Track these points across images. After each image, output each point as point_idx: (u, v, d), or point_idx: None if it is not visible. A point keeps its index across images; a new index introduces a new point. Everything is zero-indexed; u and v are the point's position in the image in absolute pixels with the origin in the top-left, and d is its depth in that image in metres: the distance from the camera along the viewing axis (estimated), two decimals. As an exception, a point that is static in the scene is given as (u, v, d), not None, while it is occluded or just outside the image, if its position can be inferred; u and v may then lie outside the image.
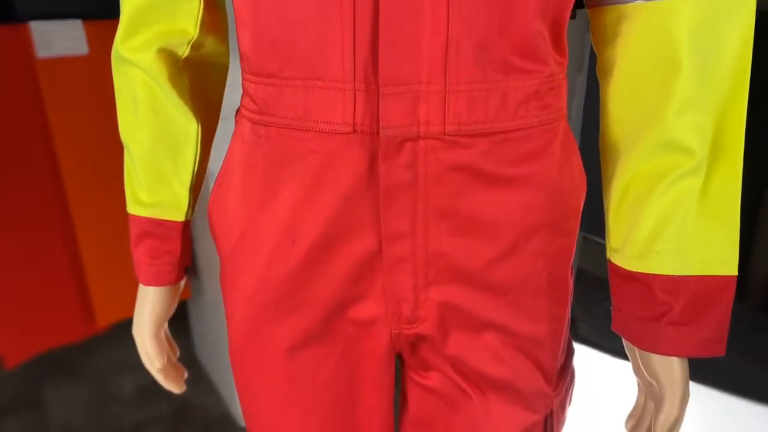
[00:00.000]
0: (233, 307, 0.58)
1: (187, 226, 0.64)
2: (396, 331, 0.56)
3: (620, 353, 1.86)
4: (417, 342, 0.57)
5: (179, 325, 2.10)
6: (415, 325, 0.55)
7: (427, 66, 0.45)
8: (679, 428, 0.55)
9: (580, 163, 0.56)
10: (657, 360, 0.54)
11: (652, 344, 0.53)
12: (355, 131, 0.47)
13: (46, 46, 1.27)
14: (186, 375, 0.71)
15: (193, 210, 0.64)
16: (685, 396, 0.54)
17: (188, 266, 0.67)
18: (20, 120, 1.30)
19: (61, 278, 1.51)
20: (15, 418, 1.72)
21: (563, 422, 0.62)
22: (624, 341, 0.59)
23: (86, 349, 2.01)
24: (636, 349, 0.56)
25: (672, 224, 0.51)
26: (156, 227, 0.62)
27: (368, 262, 0.52)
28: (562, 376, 0.61)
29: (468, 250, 0.51)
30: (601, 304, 2.00)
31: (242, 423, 1.68)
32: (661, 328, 0.53)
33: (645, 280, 0.53)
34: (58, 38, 1.27)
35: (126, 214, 0.64)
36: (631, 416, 0.62)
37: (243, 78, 0.53)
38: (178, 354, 0.72)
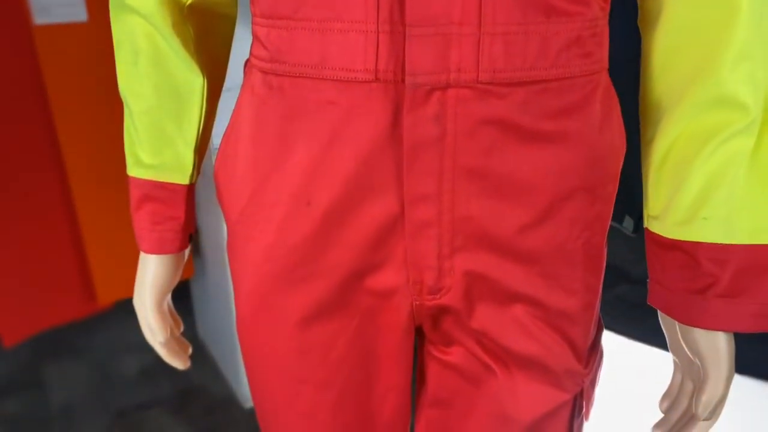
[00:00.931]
0: (241, 277, 0.54)
1: (191, 190, 0.60)
2: (417, 303, 0.52)
3: (633, 336, 1.82)
4: (439, 315, 0.53)
5: (182, 305, 2.06)
6: (438, 296, 0.51)
7: (459, 4, 0.40)
8: (722, 409, 0.51)
9: (621, 121, 0.51)
10: (701, 335, 0.50)
11: (696, 318, 0.49)
12: (377, 79, 0.43)
13: (43, 13, 1.22)
14: (190, 350, 0.67)
15: (198, 172, 0.59)
16: (730, 374, 0.50)
17: (192, 234, 0.62)
18: (17, 89, 1.25)
19: (61, 256, 1.47)
20: (15, 398, 1.69)
21: (593, 402, 0.58)
22: (661, 316, 0.55)
23: (87, 329, 1.98)
24: (677, 324, 0.52)
25: (721, 188, 0.47)
26: (158, 190, 0.58)
27: (389, 227, 0.48)
28: (593, 352, 0.57)
29: (498, 214, 0.47)
30: (611, 290, 1.96)
31: (247, 404, 1.65)
32: (707, 301, 0.48)
33: (689, 250, 0.49)
34: (56, 5, 1.22)
35: (127, 181, 0.60)
36: (665, 396, 0.58)
37: (253, 23, 0.48)
38: (182, 328, 0.68)
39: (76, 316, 1.50)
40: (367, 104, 0.44)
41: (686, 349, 0.52)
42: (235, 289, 0.56)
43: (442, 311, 0.52)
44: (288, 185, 0.48)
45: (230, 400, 1.69)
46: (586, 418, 0.57)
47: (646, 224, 0.54)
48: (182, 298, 2.06)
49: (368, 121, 0.44)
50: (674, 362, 0.57)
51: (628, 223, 2.19)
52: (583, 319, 0.53)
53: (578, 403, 0.56)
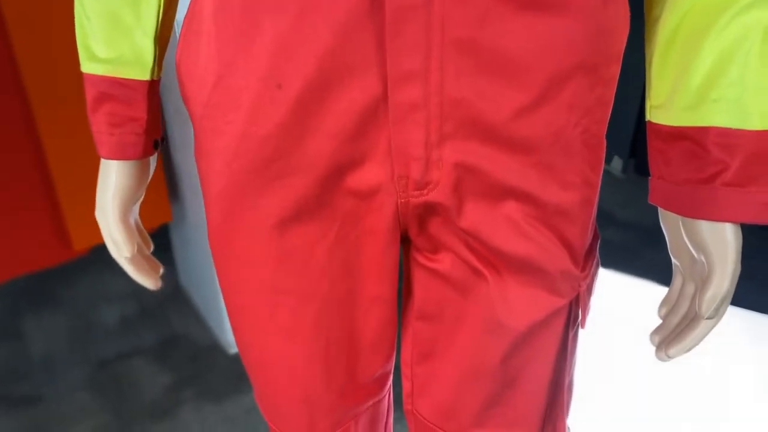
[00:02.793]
0: (210, 179, 0.49)
1: (154, 88, 0.54)
2: (402, 201, 0.48)
3: (620, 270, 1.81)
4: (426, 215, 0.49)
5: (162, 254, 2.02)
6: (425, 192, 0.47)
7: None
8: (726, 307, 0.48)
9: None
10: (707, 229, 0.46)
11: (702, 210, 0.46)
12: None
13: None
14: (162, 271, 0.62)
15: (160, 67, 0.54)
16: (736, 269, 0.47)
17: (159, 140, 0.57)
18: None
19: (32, 200, 1.41)
20: (-7, 349, 1.65)
21: (589, 310, 0.55)
22: (662, 215, 0.52)
23: (66, 279, 1.93)
24: (680, 220, 0.49)
25: (733, 67, 0.43)
26: (116, 88, 0.52)
27: (371, 113, 0.43)
28: (590, 257, 0.53)
29: (492, 95, 0.42)
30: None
31: (231, 350, 1.63)
32: (714, 191, 0.45)
33: (696, 136, 0.45)
34: None
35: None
36: (664, 302, 0.55)
37: None
38: (152, 247, 0.63)
39: (52, 262, 1.45)
40: None
41: (690, 247, 0.49)
42: (204, 195, 0.51)
43: (430, 210, 0.49)
44: (256, 67, 0.43)
45: (214, 346, 1.66)
46: (582, 326, 0.55)
47: (648, 117, 0.50)
48: (163, 247, 2.01)
49: None
50: (674, 266, 0.54)
51: (617, 164, 2.17)
52: (581, 217, 0.49)
53: (574, 311, 0.54)
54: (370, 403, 0.66)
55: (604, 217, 1.96)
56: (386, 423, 0.74)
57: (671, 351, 0.50)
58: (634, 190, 2.06)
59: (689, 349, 0.50)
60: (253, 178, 0.47)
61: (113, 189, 0.54)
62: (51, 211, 1.42)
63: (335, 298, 0.54)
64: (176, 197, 1.60)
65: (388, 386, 0.68)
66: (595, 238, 0.55)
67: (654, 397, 1.42)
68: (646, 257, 1.83)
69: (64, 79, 1.31)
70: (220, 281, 0.56)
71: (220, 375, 1.57)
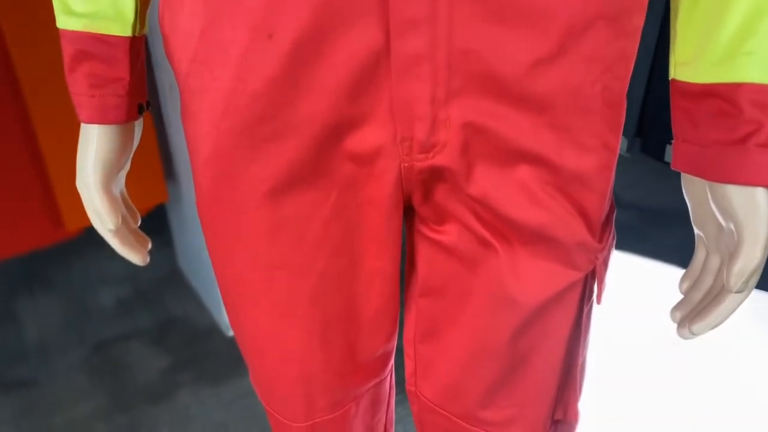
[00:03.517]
0: (197, 142, 0.46)
1: (137, 45, 0.50)
2: (406, 166, 0.44)
3: (625, 251, 1.77)
4: (432, 181, 0.45)
5: (160, 236, 1.99)
6: (431, 155, 0.43)
7: None
8: (756, 280, 0.44)
9: None
10: (737, 194, 0.42)
11: (733, 174, 0.42)
12: None
13: None
14: (150, 245, 0.59)
15: (143, 23, 0.50)
16: None
17: (143, 104, 0.53)
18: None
19: (23, 181, 1.37)
20: (-13, 332, 1.63)
21: (605, 285, 0.51)
22: (686, 182, 0.48)
23: (60, 262, 1.90)
24: (707, 186, 0.45)
25: None
26: (96, 45, 0.48)
27: (371, 66, 0.39)
28: (606, 227, 0.50)
29: (504, 46, 0.38)
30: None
31: (229, 333, 1.60)
32: (747, 152, 0.41)
33: (727, 93, 0.41)
34: None
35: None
36: (686, 277, 0.51)
37: None
38: (139, 221, 0.60)
39: (44, 243, 1.42)
40: None
41: (717, 215, 0.45)
42: (192, 161, 0.48)
43: (435, 176, 0.45)
44: (244, 16, 0.39)
45: (211, 329, 1.63)
46: (599, 301, 0.51)
47: (672, 74, 0.46)
48: (160, 230, 1.98)
49: None
50: (697, 237, 0.50)
51: (622, 143, 2.13)
52: (599, 184, 0.45)
53: (589, 286, 0.50)
54: (371, 384, 0.63)
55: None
56: (388, 405, 0.71)
57: (695, 327, 0.47)
58: (639, 170, 2.02)
59: (715, 326, 0.46)
60: (243, 140, 0.43)
61: (94, 156, 0.51)
62: (42, 192, 1.39)
63: (333, 273, 0.50)
64: (172, 177, 1.56)
65: (389, 367, 0.65)
66: (611, 209, 0.52)
67: (661, 377, 1.40)
68: (652, 238, 1.80)
69: (54, 60, 1.27)
70: (210, 255, 0.53)
71: (217, 358, 1.54)
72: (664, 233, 1.79)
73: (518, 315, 0.49)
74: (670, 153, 1.94)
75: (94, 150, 0.51)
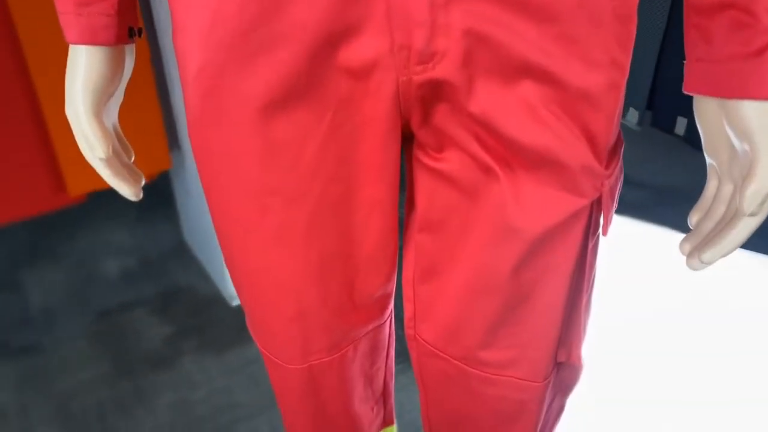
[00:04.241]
0: (186, 59, 0.44)
1: (126, -38, 0.48)
2: (404, 79, 0.42)
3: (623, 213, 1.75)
4: (431, 98, 0.44)
5: (165, 210, 1.99)
6: (430, 66, 0.41)
7: None
8: (771, 204, 0.42)
9: None
10: (753, 111, 0.40)
11: (750, 88, 0.40)
12: None
13: None
14: (143, 181, 0.57)
15: None
16: None
17: (135, 29, 0.52)
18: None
19: (25, 145, 1.36)
20: (-7, 300, 1.63)
21: (611, 217, 0.49)
22: (698, 106, 0.46)
23: (65, 232, 1.90)
24: (722, 105, 0.43)
25: None
26: (83, -41, 0.46)
27: None
28: (614, 156, 0.47)
29: None
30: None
31: (233, 302, 1.60)
32: (765, 65, 0.39)
33: (744, 2, 0.39)
34: None
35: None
36: (697, 210, 0.49)
37: None
38: (132, 157, 0.58)
39: (47, 209, 1.41)
40: None
41: (732, 136, 0.43)
42: (182, 82, 0.46)
43: (435, 92, 0.43)
44: None
45: (216, 299, 1.63)
46: (605, 233, 0.49)
47: None
48: (166, 204, 1.97)
49: None
50: (709, 167, 0.48)
51: (633, 116, 2.09)
52: (606, 104, 0.43)
53: (595, 216, 0.48)
54: (370, 327, 0.61)
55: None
56: (387, 354, 0.70)
57: (706, 255, 0.45)
58: (648, 146, 1.98)
59: (726, 253, 0.44)
60: (232, 53, 0.41)
61: (82, 78, 0.49)
62: (45, 157, 1.38)
63: (329, 201, 0.48)
64: (177, 146, 1.55)
65: (389, 311, 0.63)
66: (619, 141, 0.50)
67: (666, 341, 1.38)
68: (658, 214, 1.77)
69: (56, 20, 1.25)
70: (203, 184, 0.51)
71: (221, 327, 1.53)
72: (670, 210, 1.76)
73: (520, 245, 0.47)
74: (681, 126, 1.90)
75: (83, 73, 0.49)
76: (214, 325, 1.54)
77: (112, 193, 2.03)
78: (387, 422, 0.78)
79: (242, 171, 0.47)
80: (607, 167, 0.46)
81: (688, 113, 1.77)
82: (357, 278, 0.55)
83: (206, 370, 1.41)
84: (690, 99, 1.81)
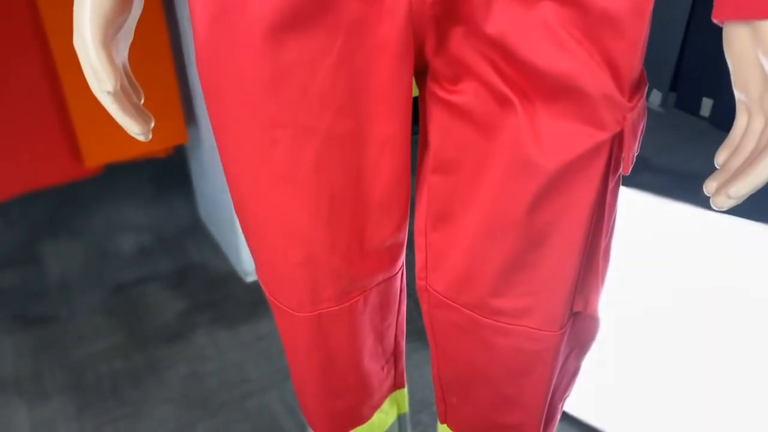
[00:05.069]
0: None
1: None
2: (417, 0, 0.40)
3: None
4: (446, 21, 0.42)
5: (180, 188, 1.99)
6: None
7: None
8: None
9: None
10: None
11: None
12: None
13: None
14: (153, 123, 0.56)
15: None
16: None
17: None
18: None
19: (42, 116, 1.37)
20: (12, 272, 1.65)
21: (634, 156, 0.47)
22: (728, 37, 0.43)
23: (83, 209, 1.92)
24: (754, 31, 0.40)
25: None
26: None
27: None
28: (637, 90, 0.45)
29: None
30: (631, 179, 1.85)
31: (248, 278, 1.59)
32: None
33: None
34: None
35: None
36: (725, 147, 0.47)
37: None
38: (142, 99, 0.57)
39: (63, 179, 1.42)
40: None
41: (764, 63, 0.41)
42: (191, 8, 0.45)
43: (450, 14, 0.41)
44: None
45: (231, 275, 1.63)
46: (626, 171, 0.47)
47: None
48: (181, 180, 1.97)
49: None
50: (738, 103, 0.46)
51: (656, 98, 2.04)
52: (630, 31, 0.41)
53: (615, 153, 0.46)
54: (380, 278, 0.60)
55: (637, 162, 1.86)
56: (399, 311, 0.68)
57: (733, 189, 0.42)
58: (671, 129, 1.93)
59: (755, 186, 0.42)
60: None
61: (90, 9, 0.48)
62: (62, 128, 1.39)
63: (339, 137, 0.47)
64: (193, 121, 1.55)
65: (400, 263, 0.62)
66: (643, 79, 0.47)
67: (686, 324, 1.34)
68: (680, 200, 1.73)
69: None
70: (211, 119, 0.50)
71: (235, 302, 1.53)
72: (688, 196, 1.72)
73: (537, 182, 0.45)
74: (707, 107, 1.85)
75: (90, 3, 0.48)
76: (228, 300, 1.54)
77: (129, 169, 2.04)
78: (398, 384, 0.76)
79: (251, 99, 0.45)
80: (630, 100, 0.44)
81: (714, 94, 1.72)
82: (368, 224, 0.54)
83: (218, 344, 1.41)
84: (717, 80, 1.76)
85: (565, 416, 1.19)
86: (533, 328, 0.53)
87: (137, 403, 1.26)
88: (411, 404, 1.23)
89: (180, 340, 1.43)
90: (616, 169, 0.47)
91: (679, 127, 1.76)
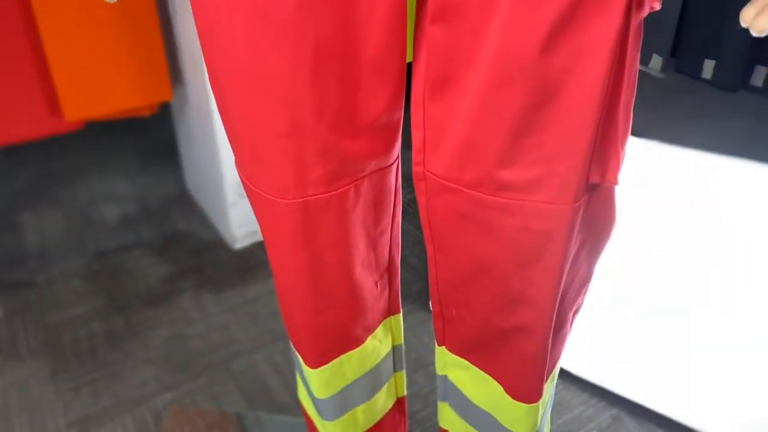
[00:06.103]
0: None
1: None
2: None
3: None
4: None
5: (168, 161, 1.92)
6: None
7: None
8: None
9: None
10: None
11: None
12: None
13: None
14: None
15: None
16: None
17: None
18: None
19: (21, 70, 1.31)
20: (-11, 241, 1.58)
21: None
22: None
23: (67, 179, 1.85)
24: None
25: None
26: None
27: None
28: None
29: None
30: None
31: (235, 245, 1.53)
32: None
33: None
34: None
35: None
36: (752, 4, 0.41)
37: None
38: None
39: (42, 133, 1.36)
40: None
41: None
42: None
43: None
44: None
45: (218, 242, 1.56)
46: (655, 5, 0.41)
47: None
48: (169, 155, 1.91)
49: None
50: None
51: (656, 63, 2.00)
52: None
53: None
54: (374, 166, 0.54)
55: (640, 121, 1.81)
56: (393, 217, 0.62)
57: None
58: (671, 94, 1.89)
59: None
60: None
61: None
62: (42, 81, 1.32)
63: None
64: (179, 80, 1.49)
65: (395, 153, 0.56)
66: None
67: (692, 267, 1.29)
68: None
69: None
70: (198, 29, 0.44)
71: (221, 268, 1.47)
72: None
73: (550, 14, 0.40)
74: (708, 69, 1.81)
75: None
76: (214, 266, 1.48)
77: (115, 140, 1.98)
78: (393, 309, 0.70)
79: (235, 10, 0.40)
80: None
81: (716, 56, 1.69)
82: (359, 89, 0.48)
83: (204, 307, 1.34)
84: (719, 42, 1.73)
85: (564, 373, 1.14)
86: (544, 203, 0.47)
87: (116, 365, 1.19)
88: (407, 363, 1.17)
89: (163, 304, 1.36)
90: (640, 5, 0.42)
91: (680, 92, 1.74)
